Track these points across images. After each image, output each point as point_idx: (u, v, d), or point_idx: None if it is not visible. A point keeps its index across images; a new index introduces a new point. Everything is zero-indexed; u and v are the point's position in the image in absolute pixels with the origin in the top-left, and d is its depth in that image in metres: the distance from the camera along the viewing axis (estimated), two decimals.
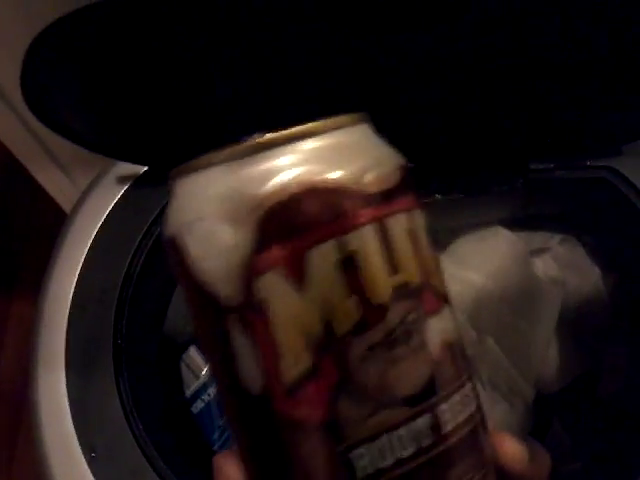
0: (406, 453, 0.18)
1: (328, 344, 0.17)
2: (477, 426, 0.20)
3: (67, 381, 0.37)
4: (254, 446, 0.19)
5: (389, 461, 0.18)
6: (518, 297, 0.48)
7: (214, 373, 0.20)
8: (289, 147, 0.19)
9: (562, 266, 0.50)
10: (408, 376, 0.18)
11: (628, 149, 0.41)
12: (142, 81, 0.35)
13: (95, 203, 0.44)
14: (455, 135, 0.41)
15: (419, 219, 0.20)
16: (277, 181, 0.18)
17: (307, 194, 0.18)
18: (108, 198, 0.44)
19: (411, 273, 0.19)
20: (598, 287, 0.48)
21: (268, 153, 0.19)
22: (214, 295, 0.18)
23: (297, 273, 0.17)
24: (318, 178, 0.18)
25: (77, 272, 0.41)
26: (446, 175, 0.43)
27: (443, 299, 0.20)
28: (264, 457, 0.19)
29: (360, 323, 0.17)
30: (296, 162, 0.19)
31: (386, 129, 0.40)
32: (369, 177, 0.19)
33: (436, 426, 0.18)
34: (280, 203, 0.18)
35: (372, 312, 0.18)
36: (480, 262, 0.49)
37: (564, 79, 0.36)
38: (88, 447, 0.35)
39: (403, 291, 0.18)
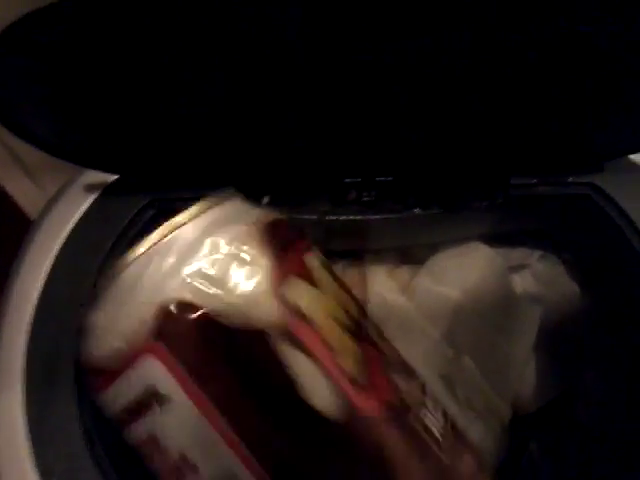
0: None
1: (358, 329, 0.19)
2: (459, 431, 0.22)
3: (25, 402, 0.35)
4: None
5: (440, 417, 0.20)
6: (496, 314, 0.48)
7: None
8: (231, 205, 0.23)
9: (541, 283, 0.49)
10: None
11: (611, 166, 0.41)
12: (113, 85, 0.33)
13: (62, 211, 0.42)
14: (435, 149, 0.40)
15: None
16: (254, 215, 0.21)
17: (279, 222, 0.21)
18: (76, 206, 0.42)
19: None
20: (577, 305, 0.48)
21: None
22: (259, 329, 0.18)
23: (308, 275, 0.19)
24: (275, 215, 0.22)
25: (41, 284, 0.39)
26: (425, 189, 0.42)
27: None
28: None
29: (362, 311, 0.20)
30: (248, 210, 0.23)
31: (366, 141, 0.39)
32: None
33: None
34: (269, 225, 0.20)
35: (360, 304, 0.21)
36: (458, 278, 0.49)
37: (548, 93, 0.36)
38: (46, 474, 0.33)
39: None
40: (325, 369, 0.18)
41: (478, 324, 0.48)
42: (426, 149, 0.39)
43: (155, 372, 0.18)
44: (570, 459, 0.46)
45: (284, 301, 0.18)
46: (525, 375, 0.47)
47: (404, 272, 0.51)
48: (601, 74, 0.34)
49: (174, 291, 0.18)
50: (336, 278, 0.21)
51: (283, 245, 0.20)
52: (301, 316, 0.18)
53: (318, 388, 0.18)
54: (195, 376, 0.18)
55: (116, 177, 0.42)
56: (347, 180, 0.42)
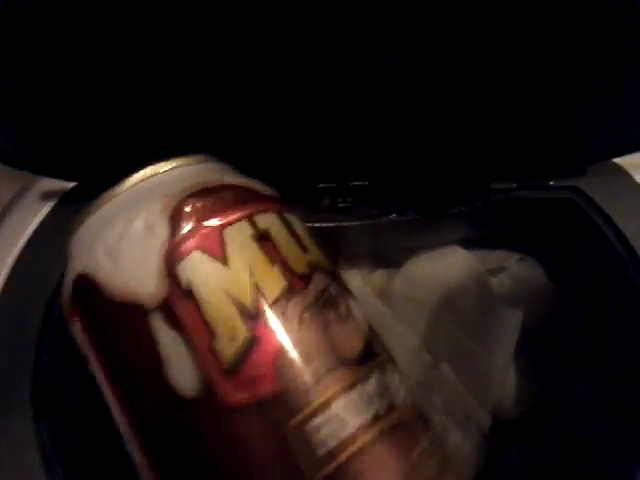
0: (363, 419, 0.17)
1: (262, 311, 0.18)
2: (421, 409, 0.20)
3: None
4: (190, 456, 0.18)
5: (349, 430, 0.17)
6: (475, 319, 0.47)
7: (135, 399, 0.19)
8: (175, 170, 0.21)
9: (520, 286, 0.48)
10: (345, 338, 0.19)
11: (594, 169, 0.40)
12: (68, 87, 0.31)
13: (17, 220, 0.40)
14: (412, 153, 0.39)
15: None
16: (184, 184, 0.20)
17: (217, 188, 0.20)
18: (32, 215, 0.40)
19: (318, 256, 0.21)
20: (557, 309, 0.47)
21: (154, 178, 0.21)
22: (136, 302, 0.18)
23: (217, 250, 0.18)
24: (219, 181, 0.20)
25: None
26: (403, 195, 0.41)
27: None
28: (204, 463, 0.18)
29: (288, 288, 0.18)
30: (191, 175, 0.21)
31: (340, 145, 0.37)
32: (257, 185, 0.22)
33: (385, 390, 0.18)
34: (192, 195, 0.19)
35: (296, 279, 0.19)
36: (435, 282, 0.47)
37: (530, 95, 0.34)
38: None
39: (318, 267, 0.20)
40: (196, 351, 0.17)
41: (456, 330, 0.47)
42: (403, 153, 0.38)
43: (78, 335, 0.20)
44: (552, 466, 0.45)
45: (173, 276, 0.18)
46: (506, 381, 0.46)
47: (380, 277, 0.49)
48: (584, 76, 0.33)
49: (83, 263, 0.20)
50: (276, 257, 0.19)
51: (203, 217, 0.19)
52: (186, 293, 0.18)
53: (183, 370, 0.17)
54: (96, 347, 0.20)
55: (73, 184, 0.40)
56: (321, 185, 0.40)
